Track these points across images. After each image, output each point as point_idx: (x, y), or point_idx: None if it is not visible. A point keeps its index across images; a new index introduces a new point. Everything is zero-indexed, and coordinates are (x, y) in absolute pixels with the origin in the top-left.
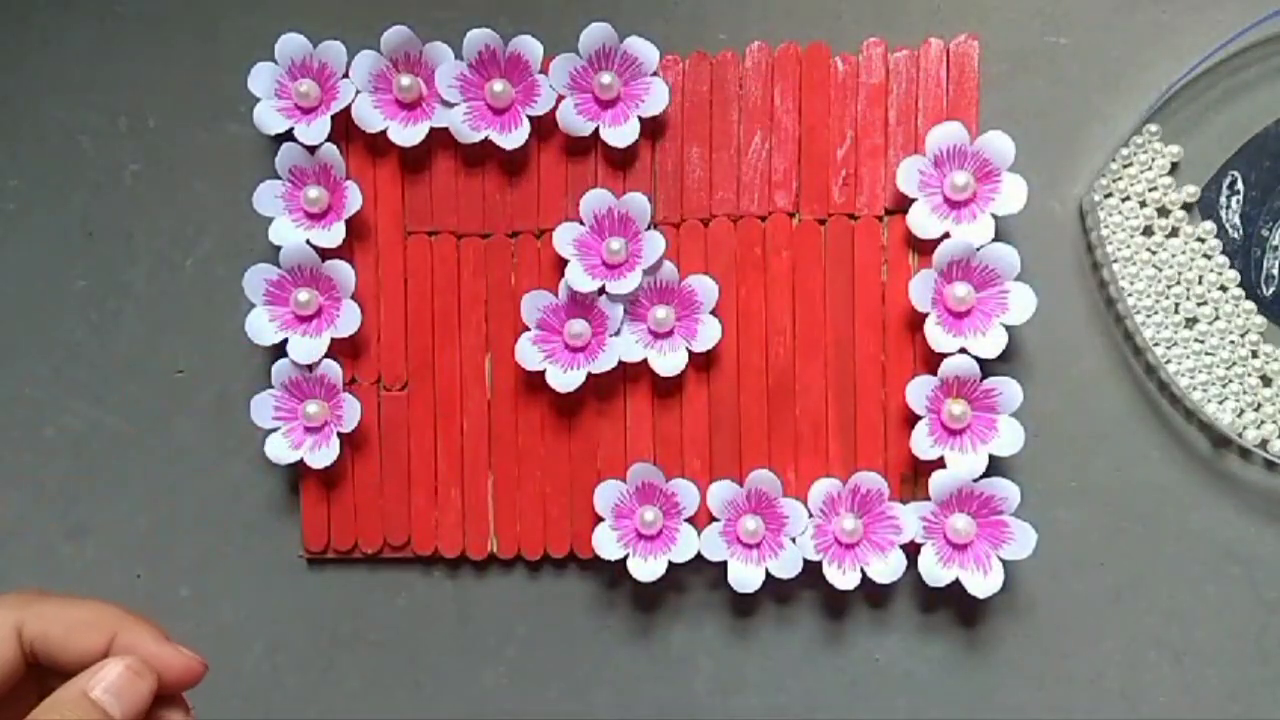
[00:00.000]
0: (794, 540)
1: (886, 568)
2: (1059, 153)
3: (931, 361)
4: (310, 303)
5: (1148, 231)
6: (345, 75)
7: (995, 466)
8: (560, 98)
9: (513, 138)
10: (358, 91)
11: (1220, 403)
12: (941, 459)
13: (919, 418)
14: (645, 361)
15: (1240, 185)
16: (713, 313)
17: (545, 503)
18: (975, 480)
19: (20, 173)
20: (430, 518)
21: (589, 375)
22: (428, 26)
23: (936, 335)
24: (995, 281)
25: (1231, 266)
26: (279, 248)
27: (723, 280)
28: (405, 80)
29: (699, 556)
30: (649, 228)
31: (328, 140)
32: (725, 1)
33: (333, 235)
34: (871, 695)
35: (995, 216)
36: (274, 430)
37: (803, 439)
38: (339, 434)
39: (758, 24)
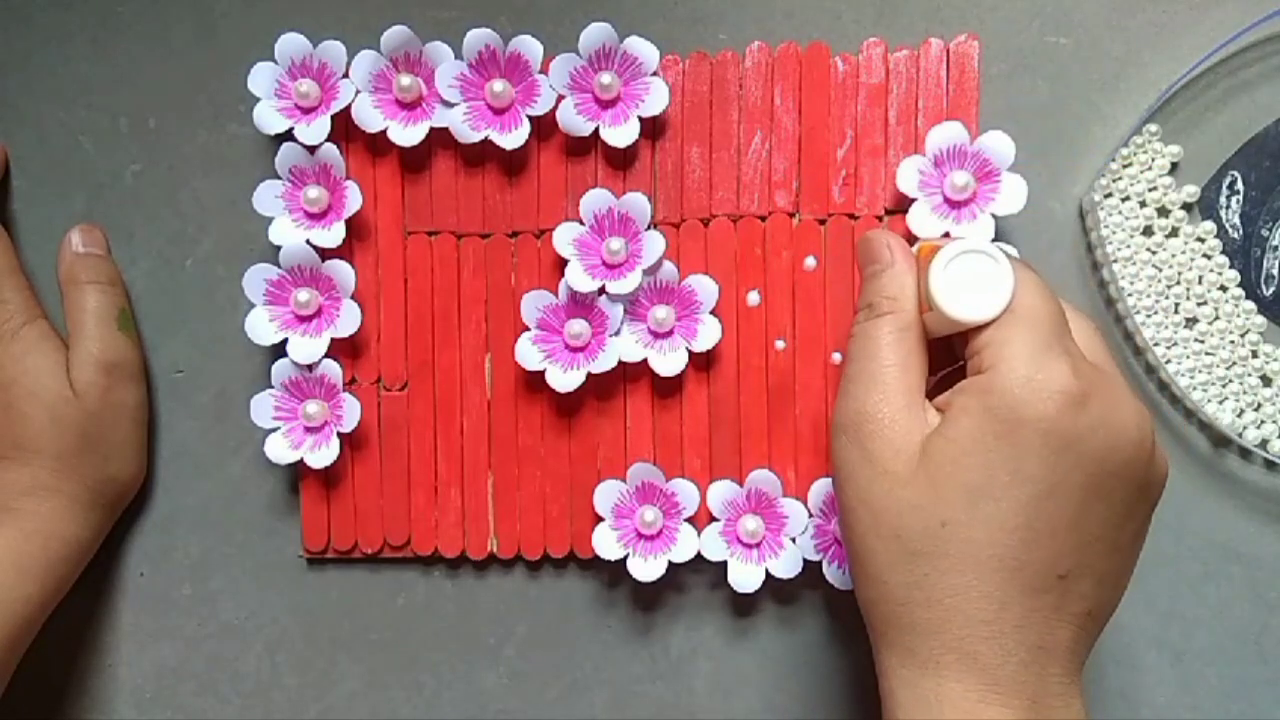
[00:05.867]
0: (794, 540)
1: None
2: (1059, 153)
3: None
4: (310, 303)
5: (1148, 231)
6: (345, 75)
7: None
8: (560, 98)
9: (513, 138)
10: (358, 91)
11: (1220, 403)
12: None
13: None
14: (645, 361)
15: (1240, 185)
16: (713, 313)
17: (545, 503)
18: None
19: (20, 173)
20: (430, 518)
21: (589, 375)
22: (428, 26)
23: None
24: None
25: (1231, 266)
26: (279, 248)
27: (723, 280)
28: (405, 80)
29: (699, 556)
30: (649, 228)
31: (328, 140)
32: (725, 1)
33: (333, 235)
34: (872, 695)
35: (995, 216)
36: (274, 430)
37: (803, 439)
38: (339, 434)
39: (758, 24)
